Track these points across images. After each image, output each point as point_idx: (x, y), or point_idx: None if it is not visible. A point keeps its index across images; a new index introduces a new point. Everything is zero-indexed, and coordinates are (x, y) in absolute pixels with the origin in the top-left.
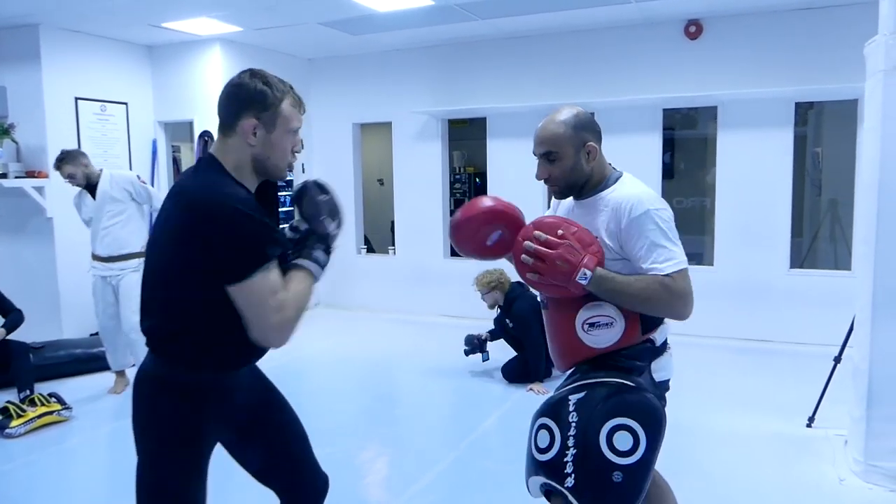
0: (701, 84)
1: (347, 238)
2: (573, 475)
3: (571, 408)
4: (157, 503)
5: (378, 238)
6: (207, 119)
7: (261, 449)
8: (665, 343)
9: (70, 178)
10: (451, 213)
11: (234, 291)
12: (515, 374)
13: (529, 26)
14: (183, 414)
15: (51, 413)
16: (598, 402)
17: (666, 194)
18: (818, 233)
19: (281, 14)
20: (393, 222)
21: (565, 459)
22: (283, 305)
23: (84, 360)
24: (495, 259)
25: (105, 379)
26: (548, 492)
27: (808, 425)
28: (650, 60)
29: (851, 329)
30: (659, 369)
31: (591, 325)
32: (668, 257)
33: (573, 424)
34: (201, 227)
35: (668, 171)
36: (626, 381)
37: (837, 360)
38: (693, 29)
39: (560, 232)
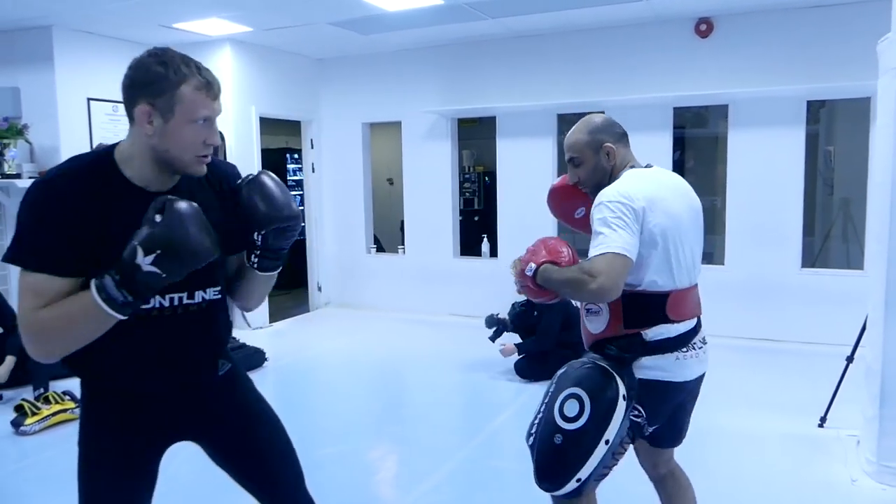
0: (712, 82)
1: (357, 237)
2: (534, 434)
3: (554, 381)
4: (79, 497)
5: (387, 237)
6: (217, 119)
7: (235, 467)
8: (666, 343)
9: None
10: (461, 212)
11: None
12: (529, 371)
13: (539, 25)
14: (88, 412)
15: (65, 411)
16: (568, 376)
17: None
18: (830, 232)
19: (291, 14)
20: (402, 222)
21: (535, 421)
22: (26, 315)
23: None
24: (580, 231)
25: None
26: None
27: (820, 425)
28: (660, 59)
29: (864, 328)
30: (652, 367)
31: (588, 310)
32: (599, 242)
33: (549, 394)
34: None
35: (679, 170)
36: (598, 362)
37: (850, 359)
38: (704, 27)
39: (536, 244)
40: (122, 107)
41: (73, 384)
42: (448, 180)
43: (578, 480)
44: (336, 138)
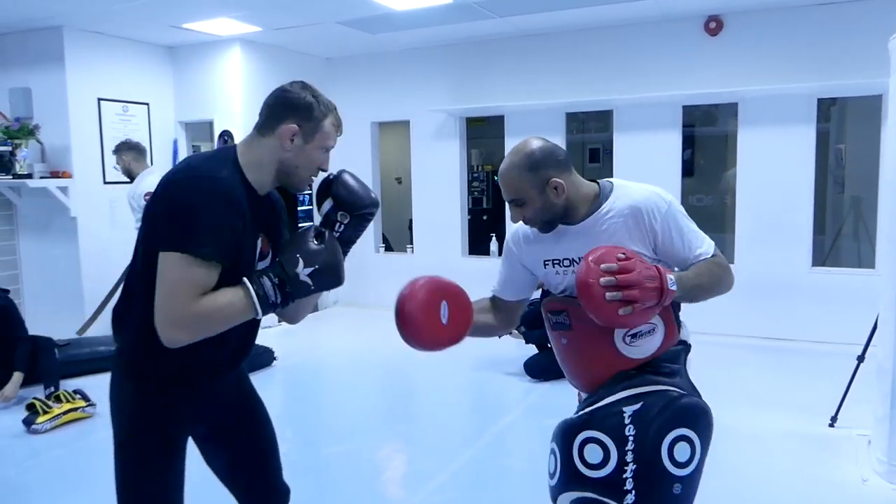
0: (721, 80)
1: (366, 236)
2: (634, 491)
3: (627, 420)
4: (128, 491)
5: (396, 236)
6: (227, 119)
7: (227, 453)
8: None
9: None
10: (469, 211)
11: (159, 259)
12: (539, 370)
13: (548, 24)
14: (144, 402)
15: (75, 409)
16: (656, 414)
17: (686, 192)
18: (841, 230)
19: (299, 13)
20: (411, 221)
21: (625, 476)
22: (184, 300)
23: (108, 357)
24: (456, 342)
25: None
26: None
27: (831, 425)
28: (670, 57)
29: (875, 327)
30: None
31: (633, 335)
32: (702, 238)
33: (630, 438)
34: (162, 194)
35: (688, 169)
36: (673, 388)
37: (861, 359)
38: (713, 25)
39: (620, 255)
40: (131, 106)
41: (84, 383)
42: (456, 179)
43: None
44: (344, 137)
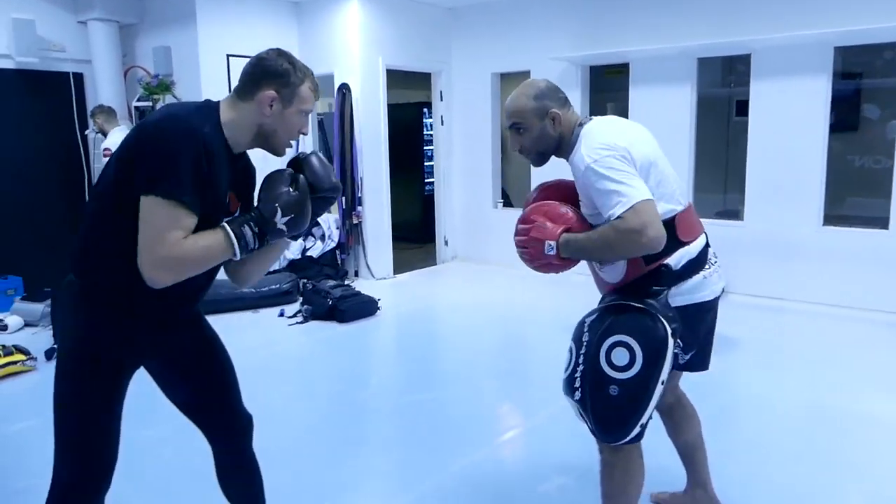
0: (887, 14)
1: (484, 191)
2: (580, 389)
3: (585, 328)
4: (60, 408)
5: (516, 191)
6: (347, 72)
7: (186, 384)
8: (691, 266)
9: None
10: None
11: (140, 204)
12: None
13: None
14: (93, 325)
15: (14, 363)
16: (604, 322)
17: (839, 152)
18: None
19: None
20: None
21: (575, 375)
22: (169, 243)
23: (228, 299)
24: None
25: None
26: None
27: None
28: None
29: None
30: (685, 292)
31: (601, 263)
32: (616, 200)
33: (585, 343)
34: (141, 138)
35: (848, 123)
36: (632, 303)
37: None
38: None
39: (532, 217)
40: None
41: (22, 338)
42: None
43: (642, 426)
44: (465, 89)
